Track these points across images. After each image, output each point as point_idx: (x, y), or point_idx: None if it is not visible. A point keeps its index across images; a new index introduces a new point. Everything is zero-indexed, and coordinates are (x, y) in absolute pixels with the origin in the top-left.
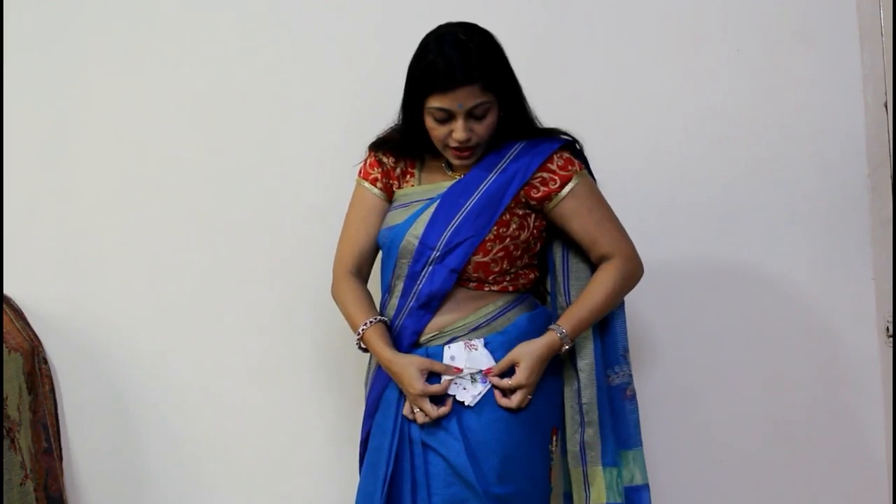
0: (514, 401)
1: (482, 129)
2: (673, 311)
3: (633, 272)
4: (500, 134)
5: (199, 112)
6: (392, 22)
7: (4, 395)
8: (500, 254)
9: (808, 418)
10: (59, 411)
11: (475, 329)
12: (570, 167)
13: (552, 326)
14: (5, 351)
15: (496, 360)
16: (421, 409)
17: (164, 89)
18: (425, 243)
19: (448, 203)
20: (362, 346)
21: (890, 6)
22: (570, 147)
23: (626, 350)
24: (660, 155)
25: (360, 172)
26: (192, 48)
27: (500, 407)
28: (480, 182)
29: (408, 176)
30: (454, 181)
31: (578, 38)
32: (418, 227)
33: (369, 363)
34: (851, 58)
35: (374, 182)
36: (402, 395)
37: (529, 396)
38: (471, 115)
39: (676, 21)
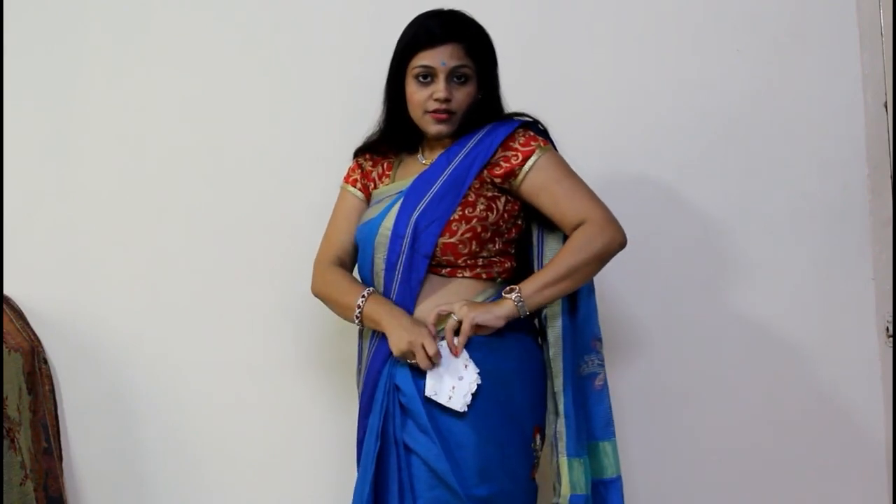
0: (463, 329)
1: (461, 95)
2: (672, 310)
3: (606, 238)
4: (474, 117)
5: (198, 112)
6: (388, 22)
7: (4, 395)
8: (467, 235)
9: (808, 418)
10: (59, 411)
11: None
12: (532, 143)
13: (510, 287)
14: (5, 351)
15: (475, 361)
16: (423, 346)
17: (164, 90)
18: (396, 232)
19: (415, 190)
20: (359, 316)
21: (890, 6)
22: (533, 126)
23: (598, 339)
24: (660, 155)
25: (344, 178)
26: (192, 49)
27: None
28: (445, 167)
29: (384, 177)
30: (423, 169)
31: (578, 37)
32: (389, 219)
33: (359, 365)
34: (851, 58)
35: (353, 183)
36: (386, 396)
37: (473, 317)
38: (452, 79)
39: (676, 21)
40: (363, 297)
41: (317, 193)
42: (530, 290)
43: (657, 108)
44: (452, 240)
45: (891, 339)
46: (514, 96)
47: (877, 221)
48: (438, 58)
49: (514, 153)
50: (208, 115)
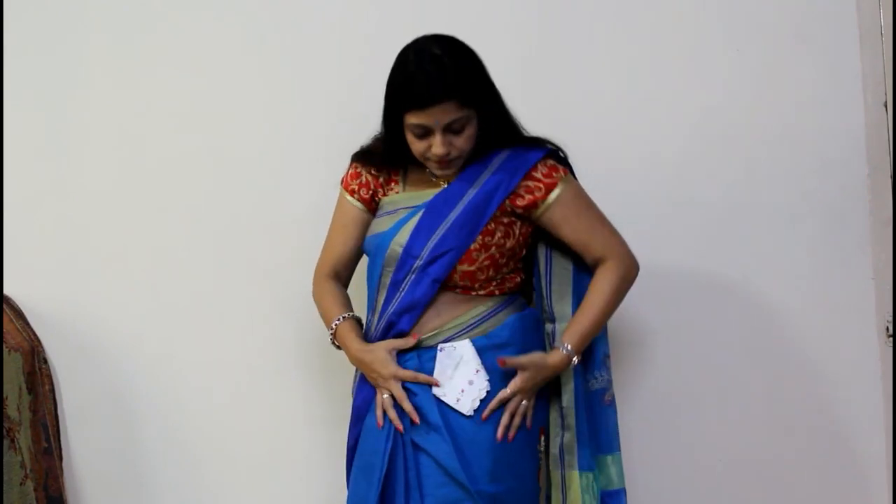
0: (508, 408)
1: (461, 141)
2: (672, 311)
3: (628, 272)
4: (484, 142)
5: (198, 112)
6: (385, 26)
7: (4, 395)
8: (486, 262)
9: (808, 419)
10: (59, 411)
11: (466, 330)
12: (554, 174)
13: (557, 345)
14: (5, 351)
15: (483, 363)
16: (392, 394)
17: (164, 90)
18: (409, 252)
19: (432, 213)
20: (335, 342)
21: (890, 6)
22: (554, 155)
23: (607, 355)
24: (660, 155)
25: (342, 181)
26: (192, 49)
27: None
28: (464, 193)
29: (392, 184)
30: (439, 190)
31: (577, 38)
32: (403, 235)
33: (356, 369)
34: (851, 58)
35: (352, 193)
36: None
37: (525, 403)
38: (449, 130)
39: (676, 21)
40: (338, 321)
41: (317, 194)
42: (576, 342)
43: (657, 108)
44: (472, 268)
45: (891, 339)
46: (515, 97)
47: (877, 221)
48: (432, 118)
49: (536, 184)
50: (208, 116)
